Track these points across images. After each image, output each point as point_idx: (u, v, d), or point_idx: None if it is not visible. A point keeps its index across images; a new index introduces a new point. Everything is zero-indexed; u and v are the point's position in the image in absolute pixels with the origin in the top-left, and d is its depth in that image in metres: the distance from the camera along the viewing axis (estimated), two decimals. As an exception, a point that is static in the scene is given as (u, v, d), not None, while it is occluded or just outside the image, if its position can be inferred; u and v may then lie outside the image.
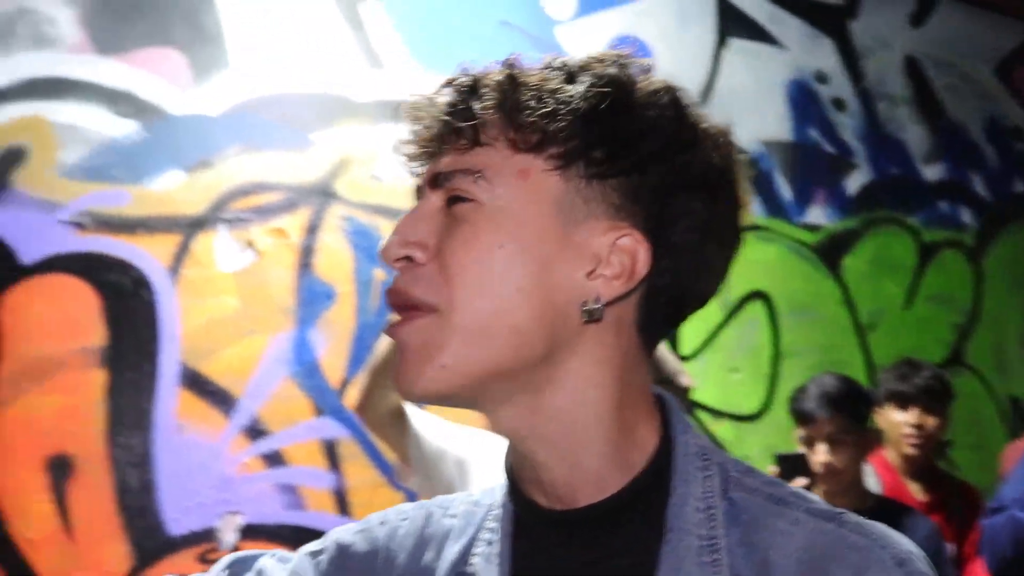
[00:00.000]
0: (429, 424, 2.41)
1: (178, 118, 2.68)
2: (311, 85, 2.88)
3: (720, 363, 3.64)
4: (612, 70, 0.79)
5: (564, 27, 3.36)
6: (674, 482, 0.80)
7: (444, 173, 0.80)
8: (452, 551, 0.87)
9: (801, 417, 2.63)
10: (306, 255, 2.82)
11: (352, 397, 2.33)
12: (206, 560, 2.58)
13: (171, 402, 2.63)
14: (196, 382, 2.66)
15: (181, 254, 2.66)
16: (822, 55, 4.07)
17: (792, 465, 2.52)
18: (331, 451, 2.78)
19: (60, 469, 2.48)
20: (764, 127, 3.83)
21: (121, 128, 2.60)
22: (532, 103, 0.77)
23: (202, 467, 2.64)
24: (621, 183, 0.77)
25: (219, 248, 2.74)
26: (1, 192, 2.44)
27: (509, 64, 0.80)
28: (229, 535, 2.65)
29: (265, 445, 2.73)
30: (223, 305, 2.72)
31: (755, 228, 3.70)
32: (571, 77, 0.78)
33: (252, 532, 2.67)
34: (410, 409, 2.37)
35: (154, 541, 2.55)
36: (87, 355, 2.52)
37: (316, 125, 2.87)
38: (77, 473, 2.49)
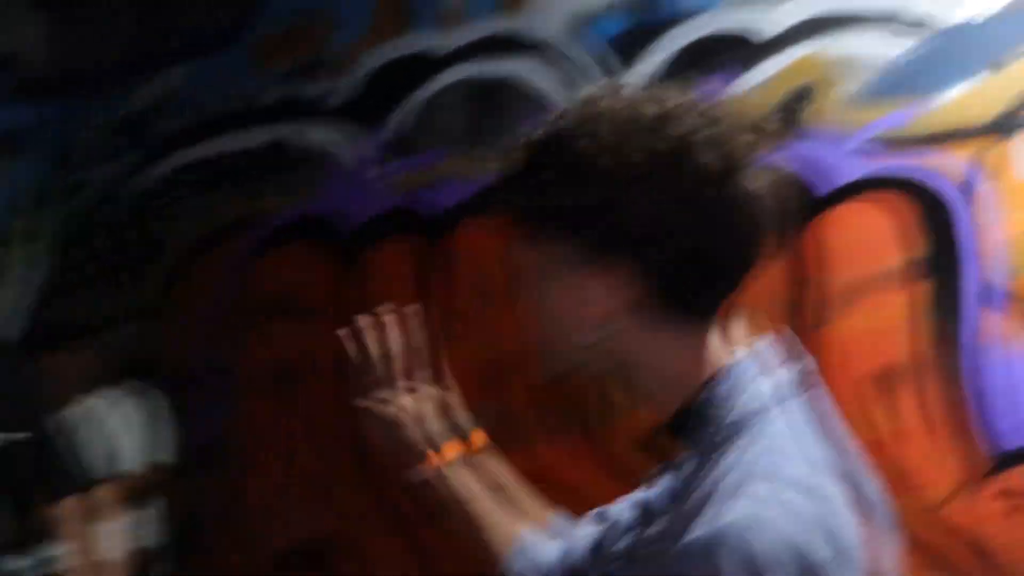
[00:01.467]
0: None
1: (952, 28, 2.60)
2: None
3: None
4: (577, 145, 0.98)
5: None
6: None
7: None
8: None
9: None
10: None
11: None
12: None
13: (975, 320, 2.53)
14: (1008, 299, 2.52)
15: (973, 167, 2.55)
16: None
17: None
18: None
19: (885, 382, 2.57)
20: None
21: (894, 50, 2.61)
22: (528, 198, 1.03)
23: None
24: (590, 237, 0.99)
25: (1017, 156, 2.56)
26: (793, 130, 2.62)
27: (527, 154, 1.03)
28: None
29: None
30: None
31: None
32: (560, 154, 0.99)
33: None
34: None
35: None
36: (890, 276, 2.56)
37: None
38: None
